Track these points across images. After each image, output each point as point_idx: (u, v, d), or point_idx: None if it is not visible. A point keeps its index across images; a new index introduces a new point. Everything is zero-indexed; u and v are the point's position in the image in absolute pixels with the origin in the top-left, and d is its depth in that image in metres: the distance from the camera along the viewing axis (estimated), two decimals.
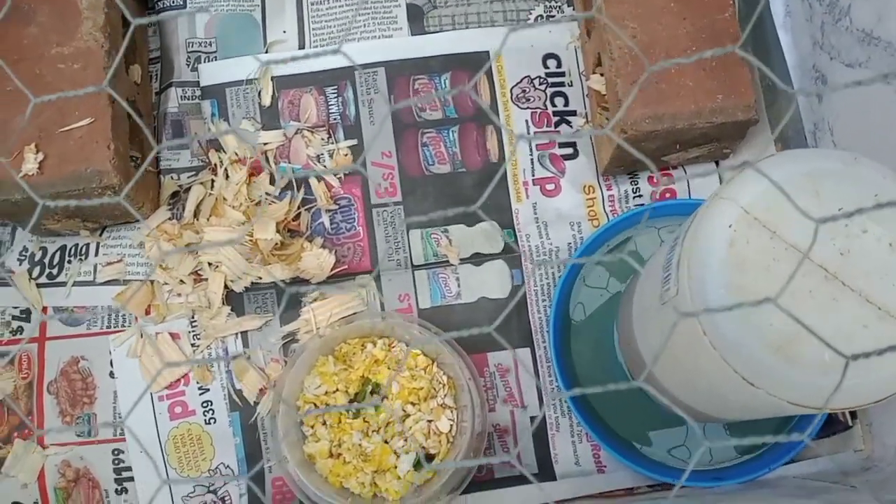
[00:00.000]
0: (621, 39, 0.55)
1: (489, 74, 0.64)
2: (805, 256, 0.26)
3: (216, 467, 0.59)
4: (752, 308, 0.34)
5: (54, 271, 0.62)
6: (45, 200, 0.27)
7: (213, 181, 0.61)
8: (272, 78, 0.63)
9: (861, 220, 0.35)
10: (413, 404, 0.55)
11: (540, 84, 0.63)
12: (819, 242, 0.34)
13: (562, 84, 0.64)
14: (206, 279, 0.60)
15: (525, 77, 0.64)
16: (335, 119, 0.63)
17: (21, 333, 0.61)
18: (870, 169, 0.35)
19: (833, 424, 0.56)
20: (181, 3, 0.65)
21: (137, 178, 0.32)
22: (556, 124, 0.63)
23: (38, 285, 0.61)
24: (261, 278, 0.59)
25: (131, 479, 0.59)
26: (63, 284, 0.61)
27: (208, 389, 0.60)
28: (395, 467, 0.54)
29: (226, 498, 0.58)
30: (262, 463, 0.58)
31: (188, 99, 0.64)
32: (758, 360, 0.34)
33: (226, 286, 0.59)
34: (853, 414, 0.56)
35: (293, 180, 0.62)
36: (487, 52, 0.64)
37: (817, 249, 0.34)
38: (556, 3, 0.65)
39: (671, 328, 0.30)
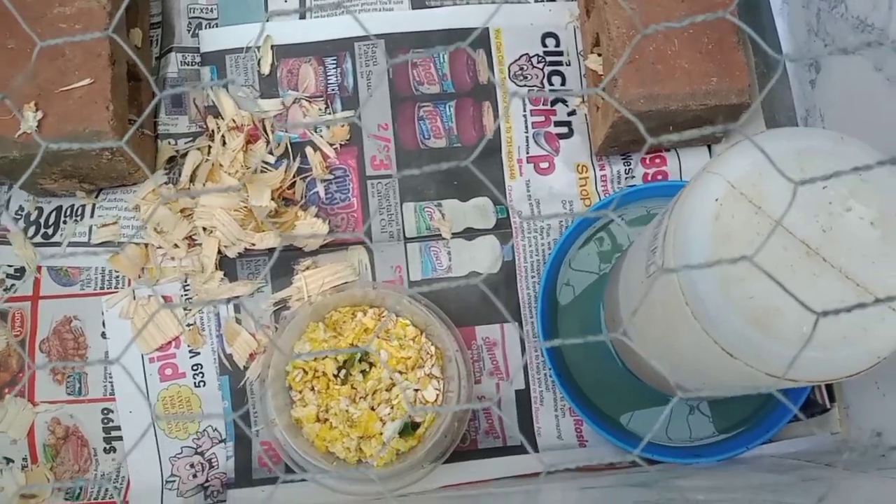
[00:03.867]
0: (620, 20, 0.55)
1: (487, 51, 0.64)
2: (780, 220, 0.27)
3: (204, 429, 0.60)
4: (733, 281, 0.35)
5: (49, 231, 0.62)
6: (47, 142, 0.27)
7: (209, 147, 0.62)
8: (272, 46, 0.63)
9: (844, 198, 0.36)
10: (400, 373, 0.56)
11: (538, 62, 0.64)
12: (802, 219, 0.35)
13: (559, 63, 0.64)
14: (200, 244, 0.60)
15: (524, 55, 0.64)
16: (333, 90, 0.64)
17: (14, 291, 0.61)
18: (855, 148, 0.36)
19: (811, 406, 0.57)
20: None
21: (143, 117, 0.32)
22: (553, 103, 0.63)
23: (33, 244, 0.62)
24: (254, 245, 0.60)
25: (120, 438, 0.60)
26: (58, 244, 0.62)
27: (199, 353, 0.60)
28: (381, 434, 0.55)
29: (213, 460, 0.59)
30: (247, 406, 0.58)
31: (188, 65, 0.64)
32: (737, 332, 0.35)
33: (219, 251, 0.60)
34: (831, 397, 0.57)
35: (289, 149, 0.62)
36: (487, 29, 0.64)
37: (800, 226, 0.35)
38: None
39: (651, 282, 0.31)
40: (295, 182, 0.62)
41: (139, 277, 0.61)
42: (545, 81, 0.64)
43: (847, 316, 0.34)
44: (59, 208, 0.63)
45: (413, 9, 0.65)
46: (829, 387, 0.57)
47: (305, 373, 0.56)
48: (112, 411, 0.60)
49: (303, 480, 0.56)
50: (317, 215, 0.61)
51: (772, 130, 0.38)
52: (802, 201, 0.35)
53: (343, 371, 0.56)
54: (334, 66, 0.64)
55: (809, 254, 0.35)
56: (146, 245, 0.61)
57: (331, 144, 0.63)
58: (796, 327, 0.34)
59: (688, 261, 0.36)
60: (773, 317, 0.34)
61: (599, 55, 0.60)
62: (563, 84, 0.64)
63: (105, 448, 0.60)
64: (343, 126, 0.63)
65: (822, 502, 0.26)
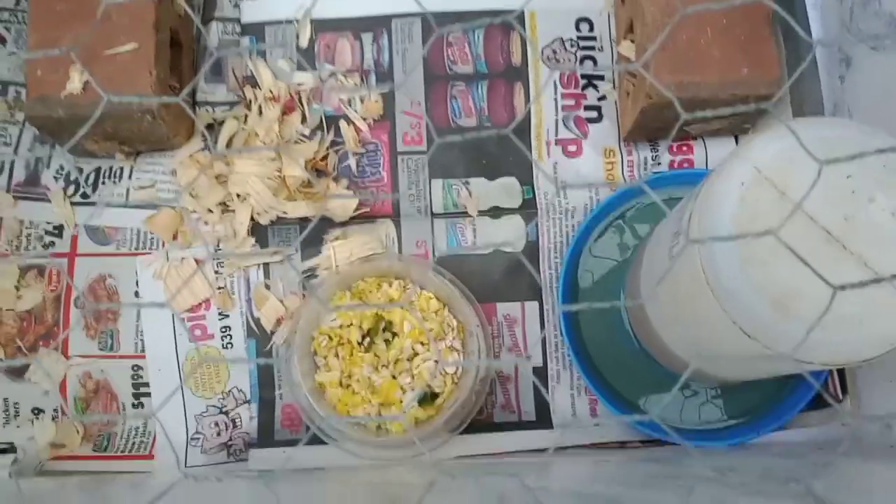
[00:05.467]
0: (655, 7, 0.56)
1: (521, 34, 0.65)
2: (802, 200, 0.28)
3: (230, 390, 0.62)
4: (755, 263, 0.36)
5: (88, 191, 0.64)
6: (108, 95, 0.29)
7: (246, 116, 0.63)
8: (311, 20, 0.65)
9: (868, 188, 0.36)
10: (422, 344, 0.58)
11: (571, 46, 0.65)
12: (825, 207, 0.36)
13: (592, 48, 0.65)
14: (234, 210, 0.62)
15: (557, 38, 0.65)
16: (369, 65, 0.65)
17: (53, 248, 0.63)
18: (882, 140, 0.37)
19: (823, 398, 0.58)
20: None
21: (193, 83, 0.33)
22: (584, 87, 0.64)
23: (72, 203, 0.64)
24: (286, 213, 0.61)
25: (148, 394, 0.62)
26: (96, 204, 0.64)
27: (228, 315, 0.62)
28: (401, 402, 0.57)
29: (237, 420, 0.61)
30: (273, 342, 0.60)
31: (228, 34, 0.66)
32: (756, 313, 0.36)
33: (252, 218, 0.62)
34: (844, 389, 0.58)
35: (323, 122, 0.64)
36: (522, 12, 0.65)
37: (823, 213, 0.36)
38: None
39: (674, 261, 0.32)
40: (328, 154, 0.63)
41: (173, 240, 0.63)
42: (577, 65, 0.65)
43: (863, 301, 0.35)
44: (98, 169, 0.64)
45: None
46: (842, 379, 0.58)
47: (330, 339, 0.58)
48: (142, 368, 0.62)
49: (324, 443, 0.57)
50: (348, 187, 0.63)
51: (800, 119, 0.39)
52: (827, 190, 0.36)
53: (367, 339, 0.58)
54: (371, 41, 0.65)
55: (830, 241, 0.36)
56: (181, 209, 0.63)
57: (364, 119, 0.64)
58: (815, 309, 0.35)
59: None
60: (792, 299, 0.35)
61: (632, 42, 0.61)
62: (595, 69, 0.65)
63: (133, 403, 0.62)
64: (377, 101, 0.64)
65: (826, 470, 0.27)
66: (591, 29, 0.65)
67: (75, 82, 0.56)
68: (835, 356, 0.36)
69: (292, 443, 0.60)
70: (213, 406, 0.61)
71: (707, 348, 0.43)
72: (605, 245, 0.61)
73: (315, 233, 0.62)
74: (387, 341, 0.58)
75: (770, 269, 0.35)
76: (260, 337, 0.62)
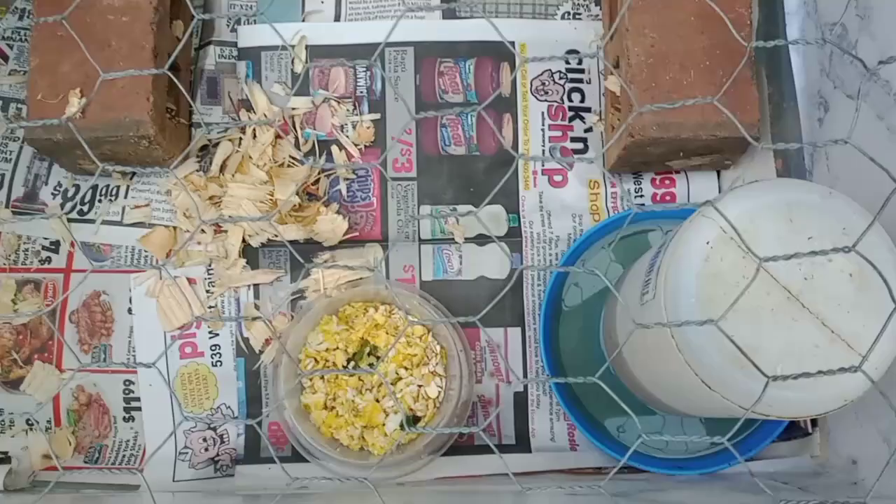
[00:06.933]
0: (640, 47, 0.57)
1: (512, 65, 0.66)
2: (749, 284, 0.30)
3: (218, 407, 0.63)
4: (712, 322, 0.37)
5: (85, 208, 0.66)
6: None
7: (240, 139, 0.65)
8: (306, 46, 0.66)
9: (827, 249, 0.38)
10: (406, 369, 0.59)
11: (559, 79, 0.66)
12: (786, 267, 0.38)
13: (580, 81, 0.66)
14: (226, 231, 0.64)
15: (546, 70, 0.66)
16: (361, 92, 0.66)
17: (49, 263, 0.65)
18: (842, 203, 0.39)
19: (794, 429, 0.60)
20: None
21: (194, 143, 0.35)
22: (571, 119, 0.66)
23: (69, 220, 0.65)
24: (277, 236, 0.63)
25: (139, 408, 0.63)
26: (92, 222, 0.65)
27: (218, 334, 0.64)
28: (384, 425, 0.58)
29: (224, 436, 0.63)
30: (261, 361, 0.62)
31: (225, 58, 0.67)
32: (717, 368, 0.38)
33: (243, 240, 0.63)
34: (814, 422, 0.60)
35: (316, 147, 0.65)
36: (513, 42, 0.66)
37: (784, 273, 0.38)
38: (584, 1, 0.68)
39: (633, 327, 0.34)
40: (319, 178, 0.65)
41: (167, 258, 0.64)
42: (565, 97, 0.66)
43: (817, 360, 0.37)
44: (94, 187, 0.66)
45: (443, 19, 0.67)
46: None
47: (316, 361, 0.60)
48: (133, 383, 0.64)
49: (307, 462, 0.59)
50: (338, 212, 0.64)
51: (765, 181, 0.40)
52: (788, 251, 0.38)
53: (352, 363, 0.59)
54: (364, 69, 0.66)
55: (790, 299, 0.38)
56: (175, 228, 0.64)
57: (356, 145, 0.65)
58: (772, 367, 0.37)
59: (677, 297, 0.39)
60: (750, 356, 0.37)
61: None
62: (582, 101, 0.66)
63: (125, 417, 0.64)
64: (368, 127, 0.65)
65: None
66: (580, 61, 0.67)
67: (74, 107, 0.58)
68: (791, 411, 0.38)
69: (278, 460, 0.62)
70: (202, 422, 0.63)
71: (674, 391, 0.45)
72: (598, 262, 0.62)
73: (304, 255, 0.64)
74: (371, 365, 0.59)
75: (730, 328, 0.37)
76: (248, 356, 0.63)
